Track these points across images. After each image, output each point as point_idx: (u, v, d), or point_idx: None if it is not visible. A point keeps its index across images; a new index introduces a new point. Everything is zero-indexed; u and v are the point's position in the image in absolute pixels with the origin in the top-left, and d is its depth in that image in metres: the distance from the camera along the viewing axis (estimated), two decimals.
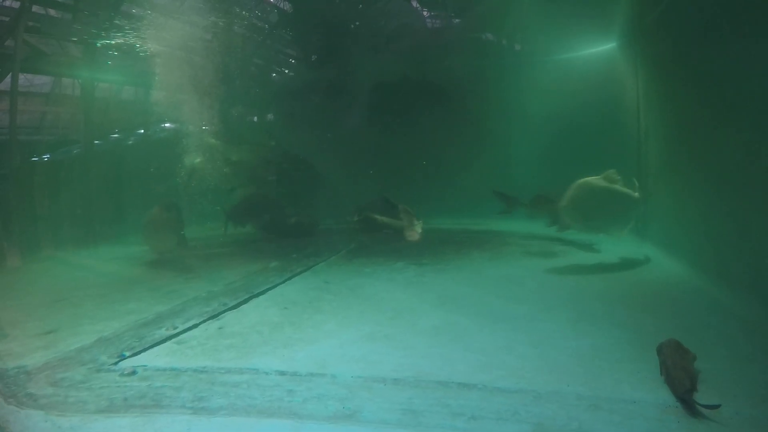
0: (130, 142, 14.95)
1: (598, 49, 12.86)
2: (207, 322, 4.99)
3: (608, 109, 11.76)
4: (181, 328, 4.77)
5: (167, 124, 14.78)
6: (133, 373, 3.69)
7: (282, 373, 3.71)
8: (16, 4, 9.71)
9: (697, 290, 6.17)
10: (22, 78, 11.41)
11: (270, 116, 17.38)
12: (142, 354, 4.13)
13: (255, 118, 17.34)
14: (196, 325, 4.88)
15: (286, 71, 18.03)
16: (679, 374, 3.36)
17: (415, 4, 16.01)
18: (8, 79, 9.34)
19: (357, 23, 15.46)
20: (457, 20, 16.01)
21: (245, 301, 5.76)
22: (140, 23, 11.44)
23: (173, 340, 4.50)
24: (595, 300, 5.80)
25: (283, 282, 6.73)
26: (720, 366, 3.81)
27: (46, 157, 12.93)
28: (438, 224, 12.08)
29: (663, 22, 8.64)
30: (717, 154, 6.48)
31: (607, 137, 11.44)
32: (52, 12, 11.07)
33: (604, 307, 5.50)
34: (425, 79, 14.55)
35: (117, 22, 11.25)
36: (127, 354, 4.09)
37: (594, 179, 7.99)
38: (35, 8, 10.03)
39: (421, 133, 14.37)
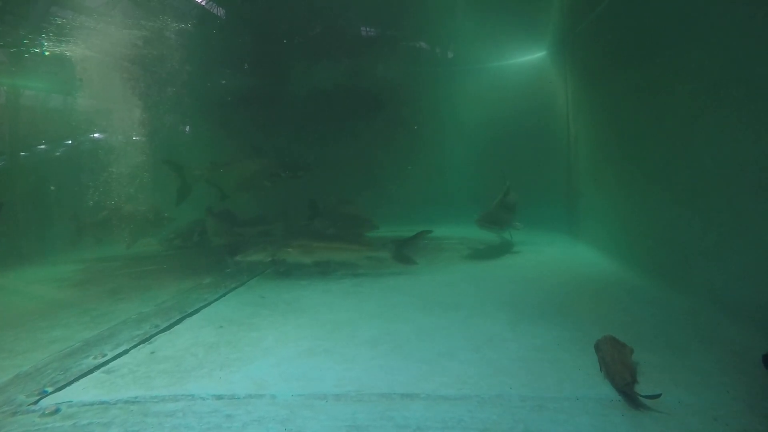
0: (58, 154, 14.17)
1: (529, 58, 13.34)
2: (138, 347, 4.74)
3: (539, 115, 12.24)
4: (110, 355, 4.49)
5: (96, 135, 14.11)
6: (56, 411, 3.41)
7: (219, 397, 3.56)
8: None
9: (631, 285, 6.48)
10: None
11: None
12: (66, 388, 3.84)
13: (187, 128, 16.83)
14: (126, 351, 4.61)
15: (221, 80, 17.58)
16: (619, 368, 3.50)
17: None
18: None
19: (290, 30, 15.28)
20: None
21: (178, 322, 5.51)
22: (70, 28, 10.89)
23: (102, 369, 4.22)
24: (533, 301, 5.96)
25: (218, 299, 6.51)
26: (659, 357, 4.01)
27: None
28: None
29: (592, 32, 9.07)
30: (645, 156, 6.86)
31: (539, 142, 11.89)
32: None
33: (543, 307, 5.66)
34: (358, 87, 14.57)
35: (46, 25, 10.64)
36: (50, 390, 3.78)
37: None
38: None
39: (354, 141, 14.37)
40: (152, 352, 4.62)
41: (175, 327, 5.38)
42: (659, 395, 3.23)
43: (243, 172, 10.43)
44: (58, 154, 14.22)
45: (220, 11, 15.20)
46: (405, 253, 7.63)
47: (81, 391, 3.80)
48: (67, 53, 11.24)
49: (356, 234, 8.13)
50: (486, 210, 9.29)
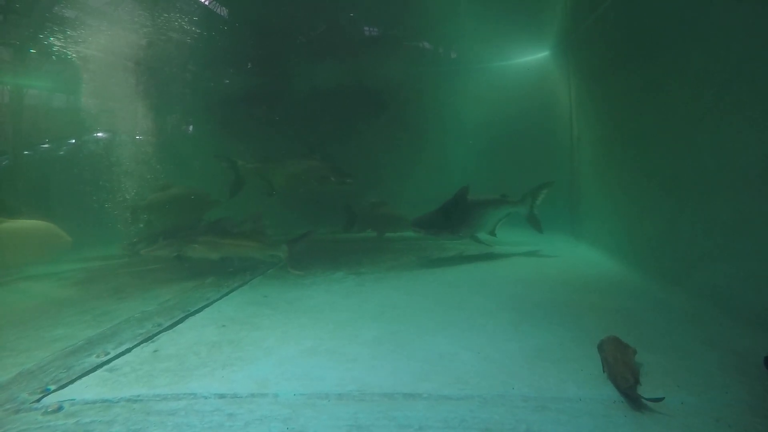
0: (61, 153, 14.18)
1: (532, 57, 13.32)
2: (141, 346, 4.74)
3: (542, 115, 12.22)
4: (112, 353, 4.50)
5: (100, 134, 14.14)
6: (59, 409, 3.42)
7: (221, 396, 3.57)
8: None
9: (634, 286, 6.47)
10: None
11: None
12: (69, 386, 3.84)
13: (190, 128, 16.86)
14: (129, 350, 4.62)
15: (223, 79, 17.60)
16: (621, 369, 3.50)
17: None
18: None
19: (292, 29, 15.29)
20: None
21: (181, 321, 5.52)
22: (74, 27, 10.93)
23: (104, 367, 4.23)
24: (535, 301, 5.95)
25: (220, 298, 6.52)
26: (662, 358, 4.01)
27: None
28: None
29: (595, 32, 9.06)
30: (648, 156, 6.85)
31: (541, 143, 11.88)
32: None
33: (545, 307, 5.65)
34: (361, 86, 14.55)
35: (50, 24, 10.67)
36: (52, 388, 3.79)
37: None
38: None
39: (357, 141, 14.35)
40: (155, 351, 4.62)
41: (178, 326, 5.39)
42: (662, 398, 3.22)
43: (295, 171, 10.45)
44: (59, 151, 14.26)
45: (223, 10, 15.28)
46: (298, 251, 7.91)
47: (83, 390, 3.81)
48: (70, 52, 11.28)
49: (260, 233, 8.17)
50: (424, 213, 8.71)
